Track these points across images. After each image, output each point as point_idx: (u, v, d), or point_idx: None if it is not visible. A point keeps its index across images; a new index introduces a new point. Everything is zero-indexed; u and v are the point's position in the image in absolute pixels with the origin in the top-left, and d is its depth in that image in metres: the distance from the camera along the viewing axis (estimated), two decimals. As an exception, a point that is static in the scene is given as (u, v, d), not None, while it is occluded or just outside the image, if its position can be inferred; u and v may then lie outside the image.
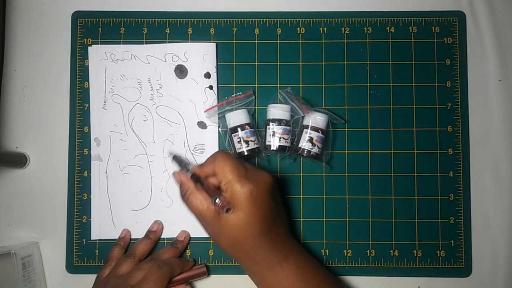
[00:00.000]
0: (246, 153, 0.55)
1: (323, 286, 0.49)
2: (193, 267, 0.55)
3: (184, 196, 0.49)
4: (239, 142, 0.55)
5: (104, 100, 0.58)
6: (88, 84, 0.58)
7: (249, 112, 0.56)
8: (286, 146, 0.55)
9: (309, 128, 0.55)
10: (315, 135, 0.55)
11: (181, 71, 0.58)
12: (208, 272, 0.56)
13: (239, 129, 0.55)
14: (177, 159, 0.54)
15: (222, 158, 0.48)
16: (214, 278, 0.57)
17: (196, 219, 0.50)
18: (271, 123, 0.55)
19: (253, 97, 0.57)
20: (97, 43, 0.59)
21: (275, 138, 0.55)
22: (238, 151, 0.55)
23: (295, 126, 0.56)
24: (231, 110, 0.56)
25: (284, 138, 0.55)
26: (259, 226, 0.47)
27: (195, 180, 0.49)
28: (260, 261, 0.48)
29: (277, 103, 0.57)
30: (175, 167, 0.54)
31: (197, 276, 0.55)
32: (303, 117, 0.56)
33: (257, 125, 0.58)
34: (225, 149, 0.56)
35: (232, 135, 0.55)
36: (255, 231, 0.46)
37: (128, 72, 0.58)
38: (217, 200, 0.46)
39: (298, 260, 0.49)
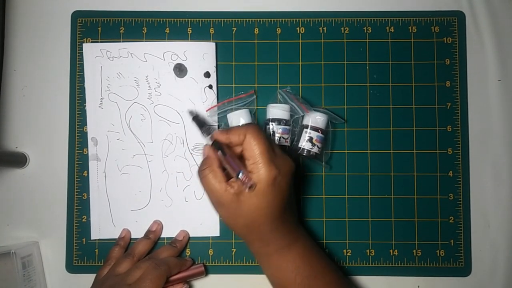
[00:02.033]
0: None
1: (326, 273, 0.50)
2: (191, 267, 0.55)
3: (203, 172, 0.47)
4: (239, 141, 0.55)
5: (101, 99, 0.58)
6: (84, 82, 0.58)
7: (250, 112, 0.56)
8: (286, 145, 0.55)
9: (309, 128, 0.55)
10: (315, 134, 0.55)
11: (180, 70, 0.58)
12: (206, 271, 0.56)
13: (239, 128, 0.55)
14: (197, 120, 0.51)
15: (254, 136, 0.46)
16: (213, 278, 0.57)
17: (209, 199, 0.48)
18: (270, 123, 0.55)
19: (254, 96, 0.58)
20: (96, 42, 0.59)
21: (274, 138, 0.55)
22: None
23: (294, 125, 0.56)
24: (231, 110, 0.56)
25: (284, 138, 0.55)
26: (277, 210, 0.47)
27: (217, 148, 0.47)
28: (271, 243, 0.48)
29: (276, 102, 0.57)
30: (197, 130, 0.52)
31: (195, 276, 0.55)
32: (302, 116, 0.56)
33: (257, 124, 0.58)
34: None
35: (232, 134, 0.55)
36: (273, 215, 0.47)
37: (125, 70, 0.58)
38: (240, 175, 0.45)
39: (305, 244, 0.50)
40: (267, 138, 0.47)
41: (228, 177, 0.47)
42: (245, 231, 0.48)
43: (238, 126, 0.48)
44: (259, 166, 0.45)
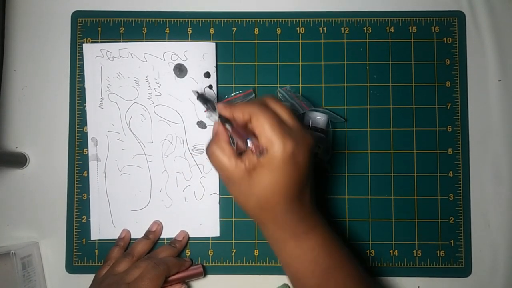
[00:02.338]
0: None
1: (345, 263, 0.47)
2: (190, 267, 0.55)
3: (210, 149, 0.45)
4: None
5: (101, 99, 0.58)
6: (84, 82, 0.58)
7: None
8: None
9: (309, 128, 0.55)
10: (316, 135, 0.55)
11: (180, 70, 0.58)
12: (205, 272, 0.56)
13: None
14: (202, 97, 0.50)
15: (260, 112, 0.43)
16: (213, 278, 0.57)
17: (220, 176, 0.46)
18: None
19: (253, 95, 0.57)
20: (96, 43, 0.59)
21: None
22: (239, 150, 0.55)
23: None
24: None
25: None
26: (294, 189, 0.43)
27: (223, 121, 0.45)
28: (287, 227, 0.44)
29: (276, 102, 0.57)
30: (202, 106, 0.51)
31: (193, 276, 0.55)
32: (303, 116, 0.56)
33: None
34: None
35: (233, 134, 0.55)
36: (289, 194, 0.43)
37: (125, 70, 0.58)
38: (249, 142, 0.42)
39: (324, 232, 0.46)
40: (276, 112, 0.44)
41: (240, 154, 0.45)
42: (257, 211, 0.44)
43: (243, 102, 0.45)
44: (272, 141, 0.41)
